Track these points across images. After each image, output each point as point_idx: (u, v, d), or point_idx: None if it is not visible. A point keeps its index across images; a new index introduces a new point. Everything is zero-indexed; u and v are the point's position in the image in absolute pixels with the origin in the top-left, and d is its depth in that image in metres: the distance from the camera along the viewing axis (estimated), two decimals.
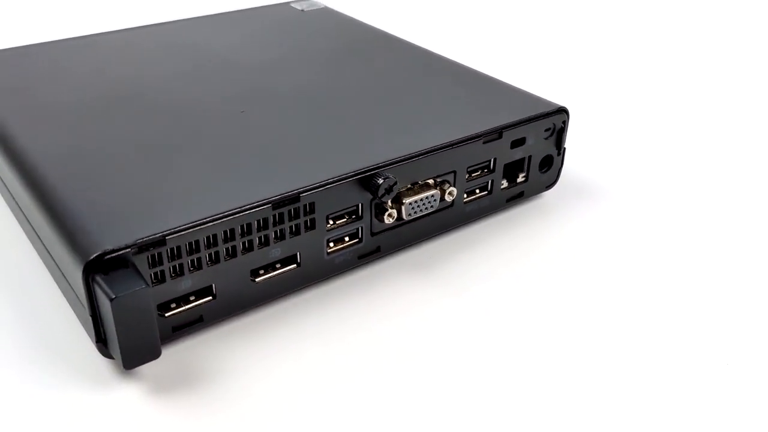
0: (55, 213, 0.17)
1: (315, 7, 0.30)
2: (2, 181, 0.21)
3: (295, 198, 0.17)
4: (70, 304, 0.17)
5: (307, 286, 0.19)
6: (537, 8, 0.42)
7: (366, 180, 0.18)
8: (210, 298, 0.17)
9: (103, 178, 0.18)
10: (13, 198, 0.20)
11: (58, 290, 0.18)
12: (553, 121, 0.22)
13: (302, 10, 0.30)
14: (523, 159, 0.22)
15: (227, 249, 0.17)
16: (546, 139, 0.22)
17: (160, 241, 0.15)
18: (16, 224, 0.21)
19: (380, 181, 0.18)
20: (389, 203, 0.19)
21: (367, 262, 0.20)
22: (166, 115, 0.21)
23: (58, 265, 0.17)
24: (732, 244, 0.21)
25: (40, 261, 0.19)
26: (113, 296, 0.14)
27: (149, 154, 0.19)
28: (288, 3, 0.30)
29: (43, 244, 0.18)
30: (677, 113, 0.30)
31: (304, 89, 0.22)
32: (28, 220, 0.19)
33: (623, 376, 0.17)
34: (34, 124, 0.20)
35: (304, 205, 0.17)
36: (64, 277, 0.17)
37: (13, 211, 0.21)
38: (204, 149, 0.19)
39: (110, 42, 0.26)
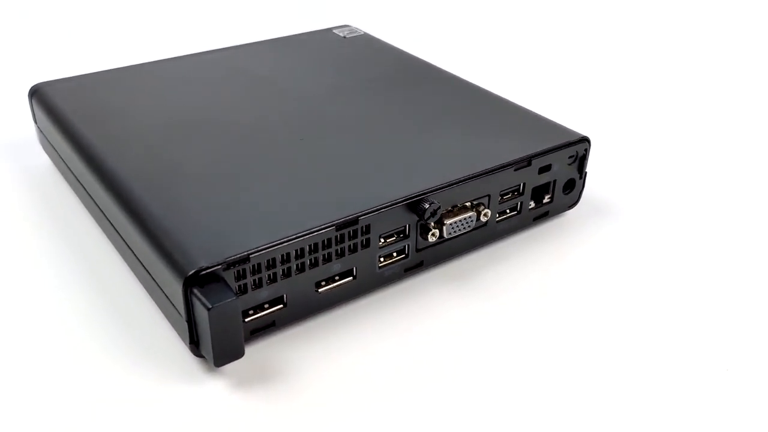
0: (152, 233, 0.19)
1: (355, 34, 0.33)
2: (92, 198, 0.24)
3: (354, 221, 0.20)
4: (161, 310, 0.20)
5: (361, 295, 0.22)
6: (553, 33, 0.44)
7: (414, 204, 0.21)
8: (281, 306, 0.20)
9: (189, 199, 0.20)
10: (103, 213, 0.23)
11: (148, 297, 0.21)
12: (576, 149, 0.24)
13: (344, 37, 0.32)
14: (548, 183, 0.24)
15: (297, 265, 0.19)
16: (569, 164, 0.24)
17: (245, 259, 0.18)
18: (101, 234, 0.24)
19: (426, 206, 0.21)
20: (432, 224, 0.21)
21: (411, 274, 0.22)
22: (233, 141, 0.24)
23: (153, 278, 0.20)
24: (741, 257, 0.24)
25: (128, 270, 0.22)
26: (210, 306, 0.17)
27: (224, 176, 0.22)
28: (331, 29, 0.33)
29: (138, 259, 0.21)
30: (689, 135, 0.32)
31: (352, 117, 0.25)
32: (119, 234, 0.22)
33: (634, 380, 0.19)
34: (120, 147, 0.23)
35: (362, 227, 0.20)
36: (159, 287, 0.19)
37: (98, 221, 0.24)
38: (272, 173, 0.22)
39: (166, 70, 0.29)
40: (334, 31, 0.33)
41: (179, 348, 0.19)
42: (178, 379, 0.19)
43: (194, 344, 0.18)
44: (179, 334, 0.19)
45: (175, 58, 0.31)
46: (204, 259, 0.18)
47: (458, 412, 0.18)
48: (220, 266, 0.18)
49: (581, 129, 0.25)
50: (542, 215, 0.25)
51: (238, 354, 0.18)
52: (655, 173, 0.29)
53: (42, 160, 0.29)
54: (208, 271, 0.18)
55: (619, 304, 0.22)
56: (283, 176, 0.21)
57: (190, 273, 0.17)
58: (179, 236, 0.19)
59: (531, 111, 0.26)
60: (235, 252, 0.18)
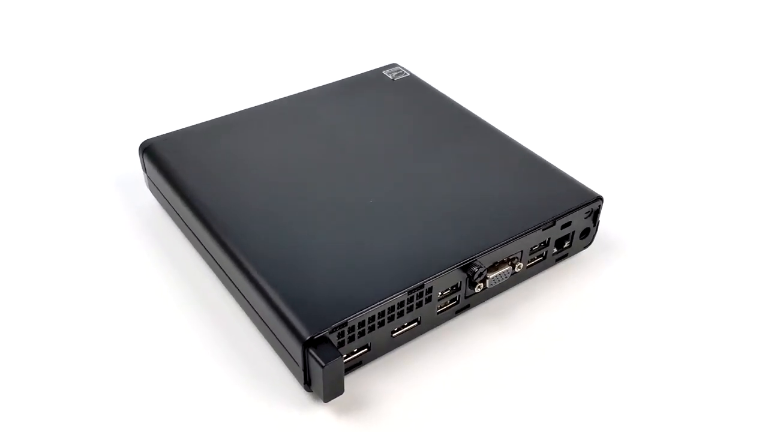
0: (269, 298, 0.26)
1: (402, 76, 0.38)
2: (204, 246, 0.30)
3: (421, 285, 0.26)
4: (278, 354, 0.26)
5: (423, 333, 0.28)
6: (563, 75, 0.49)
7: (465, 267, 0.27)
8: (366, 350, 0.26)
9: (294, 267, 0.27)
10: (217, 263, 0.29)
11: (266, 342, 0.27)
12: (592, 206, 0.30)
13: (393, 80, 0.38)
14: (569, 233, 0.30)
15: (380, 321, 0.26)
16: (585, 218, 0.30)
17: (344, 324, 0.25)
18: (212, 274, 0.30)
19: (475, 269, 0.27)
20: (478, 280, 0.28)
21: (460, 314, 0.29)
22: (316, 204, 0.29)
23: (271, 331, 0.26)
24: (741, 287, 0.30)
25: (243, 312, 0.29)
26: (323, 365, 0.23)
27: (316, 242, 0.28)
28: (381, 71, 0.38)
29: (254, 310, 0.27)
30: (686, 173, 0.38)
31: (405, 174, 0.31)
32: (235, 286, 0.28)
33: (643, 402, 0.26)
34: (225, 207, 0.29)
35: (426, 288, 0.26)
36: (277, 339, 0.26)
37: (210, 265, 0.30)
38: (355, 239, 0.28)
39: (244, 122, 0.34)
40: (384, 72, 0.38)
41: (294, 384, 0.26)
42: (295, 407, 0.25)
43: (307, 384, 0.25)
44: (294, 374, 0.26)
45: (249, 109, 0.36)
46: (317, 326, 0.24)
47: (509, 420, 0.25)
48: (327, 330, 0.24)
49: (587, 170, 0.31)
50: (562, 257, 0.31)
51: (340, 392, 0.25)
52: (656, 210, 0.35)
53: (151, 198, 0.35)
54: (319, 335, 0.24)
55: (632, 329, 0.28)
56: (364, 242, 0.28)
57: (307, 339, 0.24)
58: (293, 305, 0.25)
59: (552, 165, 0.32)
60: (337, 319, 0.24)
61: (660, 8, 0.55)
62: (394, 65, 0.39)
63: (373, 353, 0.27)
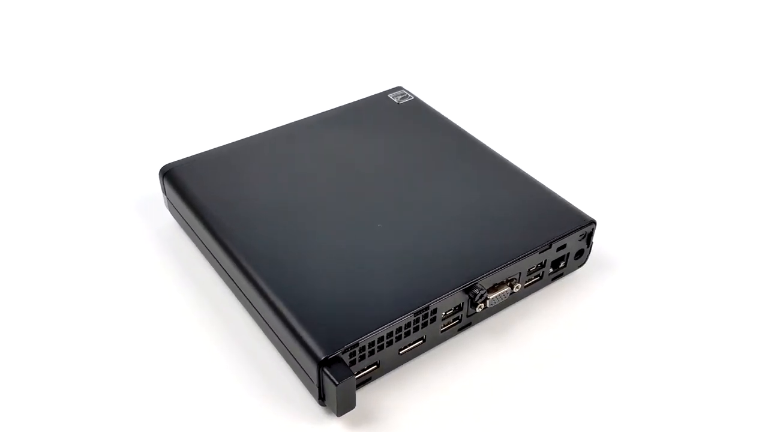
0: (286, 320, 0.28)
1: (407, 99, 0.40)
2: (223, 268, 0.32)
3: (426, 308, 0.28)
4: (293, 370, 0.29)
5: (428, 350, 0.30)
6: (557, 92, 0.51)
7: (467, 289, 0.29)
8: (376, 366, 0.28)
9: (308, 290, 0.29)
10: (235, 283, 0.31)
11: (282, 358, 0.29)
12: (586, 230, 0.32)
13: (398, 103, 0.40)
14: (564, 255, 0.32)
15: (389, 341, 0.28)
16: (579, 240, 0.32)
17: (356, 344, 0.27)
18: (230, 292, 0.32)
19: (477, 291, 0.29)
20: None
21: (462, 331, 0.31)
22: (325, 228, 0.31)
23: (290, 352, 0.28)
24: (732, 299, 0.32)
25: (259, 328, 0.31)
26: (337, 383, 0.26)
27: (328, 266, 0.30)
28: (386, 94, 0.40)
29: (271, 328, 0.29)
30: (678, 196, 0.40)
31: (410, 198, 0.33)
32: (252, 305, 0.30)
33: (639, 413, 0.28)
34: (243, 230, 0.31)
35: (432, 310, 0.28)
36: (293, 356, 0.28)
37: (227, 284, 0.32)
38: (365, 262, 0.30)
39: (257, 147, 0.37)
40: (389, 96, 0.40)
41: (308, 398, 0.28)
42: (310, 420, 0.27)
43: (322, 399, 0.27)
44: (309, 389, 0.28)
45: (261, 134, 0.38)
46: (330, 347, 0.26)
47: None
48: (340, 351, 0.26)
49: (581, 193, 0.33)
50: (558, 276, 0.33)
51: (352, 407, 0.27)
52: (645, 231, 0.37)
53: (170, 218, 0.37)
54: (333, 356, 0.26)
55: (624, 342, 0.31)
56: (373, 266, 0.30)
57: (322, 359, 0.26)
58: (308, 326, 0.27)
59: (548, 189, 0.34)
60: (349, 340, 0.27)
61: (648, 34, 0.57)
62: (399, 88, 0.41)
63: (381, 369, 0.29)
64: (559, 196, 0.34)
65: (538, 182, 0.34)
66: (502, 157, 0.36)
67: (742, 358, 0.30)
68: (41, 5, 0.59)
